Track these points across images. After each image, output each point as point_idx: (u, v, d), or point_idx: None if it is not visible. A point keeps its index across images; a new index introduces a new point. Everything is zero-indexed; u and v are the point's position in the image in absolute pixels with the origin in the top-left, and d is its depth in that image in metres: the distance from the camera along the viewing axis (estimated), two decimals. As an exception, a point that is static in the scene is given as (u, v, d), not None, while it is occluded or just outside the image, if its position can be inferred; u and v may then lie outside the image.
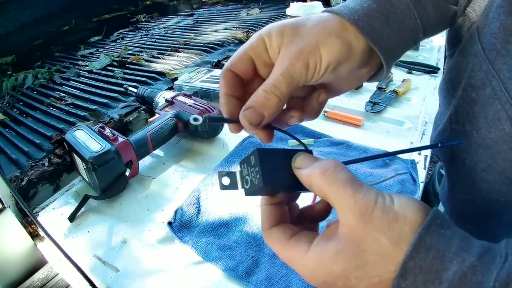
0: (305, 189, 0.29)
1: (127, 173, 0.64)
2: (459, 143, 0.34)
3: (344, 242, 0.25)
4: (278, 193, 0.30)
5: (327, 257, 0.25)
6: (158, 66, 1.21)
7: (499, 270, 0.22)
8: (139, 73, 1.17)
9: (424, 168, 0.68)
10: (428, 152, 0.71)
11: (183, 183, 0.68)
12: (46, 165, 0.73)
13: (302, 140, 0.68)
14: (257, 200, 0.60)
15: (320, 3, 1.20)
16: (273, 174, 0.28)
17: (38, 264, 0.59)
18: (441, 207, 0.48)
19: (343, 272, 0.25)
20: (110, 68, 1.23)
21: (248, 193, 0.30)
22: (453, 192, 0.40)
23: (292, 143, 0.72)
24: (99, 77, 1.17)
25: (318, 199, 0.31)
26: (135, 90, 0.90)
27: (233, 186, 0.31)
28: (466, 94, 0.34)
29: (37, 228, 0.60)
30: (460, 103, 0.35)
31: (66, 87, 1.14)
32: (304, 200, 0.34)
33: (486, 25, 0.32)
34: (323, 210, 0.32)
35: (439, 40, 1.26)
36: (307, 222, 0.32)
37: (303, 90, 0.34)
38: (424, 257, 0.23)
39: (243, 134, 0.78)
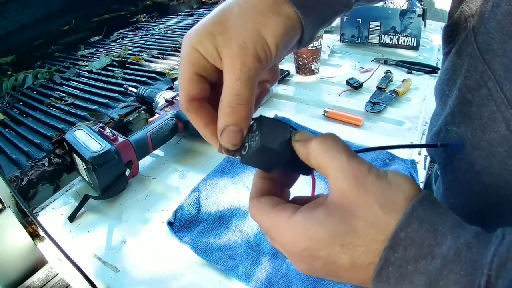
0: (302, 171, 0.29)
1: (127, 173, 0.64)
2: (459, 145, 0.33)
3: (333, 206, 0.24)
4: (274, 169, 0.29)
5: (314, 220, 0.24)
6: (158, 66, 1.21)
7: (497, 246, 0.20)
8: (139, 73, 1.17)
9: (424, 168, 0.68)
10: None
11: (183, 183, 0.68)
12: (46, 165, 0.73)
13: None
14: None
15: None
16: (272, 140, 0.27)
17: (38, 264, 0.60)
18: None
19: (329, 237, 0.23)
20: (110, 68, 1.23)
21: (245, 159, 0.28)
22: (447, 194, 0.40)
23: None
24: (99, 77, 1.17)
25: (317, 192, 0.30)
26: (135, 90, 0.90)
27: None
28: (461, 95, 0.34)
29: (37, 228, 0.60)
30: (455, 104, 0.35)
31: (66, 87, 1.14)
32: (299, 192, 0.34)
33: (482, 25, 0.31)
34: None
35: (439, 40, 1.26)
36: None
37: None
38: (416, 228, 0.22)
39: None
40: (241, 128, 0.27)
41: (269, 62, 0.28)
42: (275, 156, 0.28)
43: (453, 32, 0.36)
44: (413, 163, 0.67)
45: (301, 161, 0.28)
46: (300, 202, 0.29)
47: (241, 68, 0.26)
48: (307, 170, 0.29)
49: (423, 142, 0.75)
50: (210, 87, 0.30)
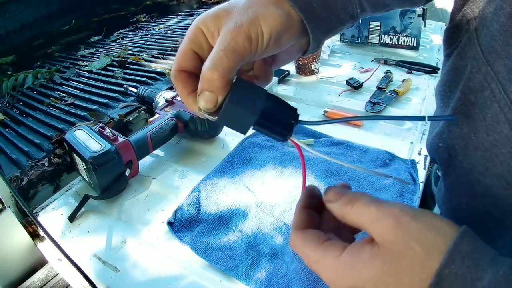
0: (276, 135, 0.30)
1: (127, 173, 0.64)
2: (450, 119, 0.34)
3: (377, 248, 0.25)
4: (248, 129, 0.30)
5: (361, 260, 0.25)
6: (158, 66, 1.21)
7: None
8: (139, 73, 1.17)
9: (424, 168, 0.68)
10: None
11: (183, 183, 0.68)
12: (46, 165, 0.73)
13: (302, 140, 0.68)
14: (258, 200, 0.60)
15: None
16: (241, 97, 0.28)
17: (38, 264, 0.60)
18: (437, 210, 0.47)
19: (374, 277, 0.25)
20: (110, 68, 1.23)
21: (218, 118, 0.29)
22: (449, 195, 0.40)
23: (291, 143, 0.72)
24: (99, 77, 1.17)
25: (307, 183, 0.33)
26: (135, 90, 0.91)
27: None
28: (464, 97, 0.34)
29: (37, 228, 0.60)
30: (458, 106, 0.35)
31: (66, 87, 1.14)
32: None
33: (485, 27, 0.31)
34: None
35: (439, 40, 1.26)
36: (344, 231, 0.32)
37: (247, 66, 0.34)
38: (459, 265, 0.23)
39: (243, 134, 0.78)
40: (215, 97, 0.28)
41: (259, 48, 0.29)
42: (244, 113, 0.29)
43: (455, 34, 0.36)
44: (413, 163, 0.67)
45: (274, 122, 0.29)
46: (331, 223, 0.31)
47: (229, 41, 0.28)
48: (283, 135, 0.30)
49: (423, 142, 0.75)
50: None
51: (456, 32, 0.36)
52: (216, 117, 0.29)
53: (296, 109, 0.31)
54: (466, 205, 0.37)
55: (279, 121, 0.30)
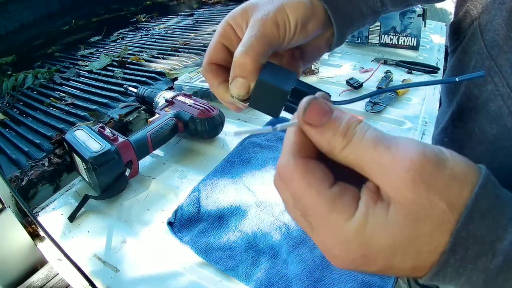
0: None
1: (127, 173, 0.64)
2: (480, 76, 0.28)
3: (393, 207, 0.20)
4: (280, 112, 0.30)
5: (376, 225, 0.20)
6: (158, 66, 1.21)
7: None
8: (139, 73, 1.17)
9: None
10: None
11: (183, 183, 0.68)
12: (46, 165, 0.73)
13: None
14: (257, 200, 0.60)
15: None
16: (272, 76, 0.29)
17: (38, 264, 0.60)
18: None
19: (391, 247, 0.20)
20: (110, 68, 1.23)
21: (250, 101, 0.30)
22: None
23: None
24: (99, 77, 1.17)
25: None
26: (135, 90, 0.91)
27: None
28: (468, 91, 0.34)
29: (37, 228, 0.60)
30: (462, 100, 0.35)
31: (66, 87, 1.14)
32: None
33: (488, 22, 0.32)
34: None
35: (439, 40, 1.26)
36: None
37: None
38: (478, 224, 0.19)
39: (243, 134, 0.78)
40: (247, 81, 0.29)
41: (287, 36, 0.31)
42: (275, 92, 0.29)
43: (459, 30, 0.37)
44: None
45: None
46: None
47: (259, 28, 0.29)
48: None
49: (423, 142, 0.75)
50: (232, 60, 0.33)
51: (460, 28, 0.36)
52: (248, 103, 0.30)
53: (327, 92, 0.31)
54: None
55: None
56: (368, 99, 0.88)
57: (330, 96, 0.26)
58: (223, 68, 0.33)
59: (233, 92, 0.30)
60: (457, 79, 0.26)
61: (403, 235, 0.20)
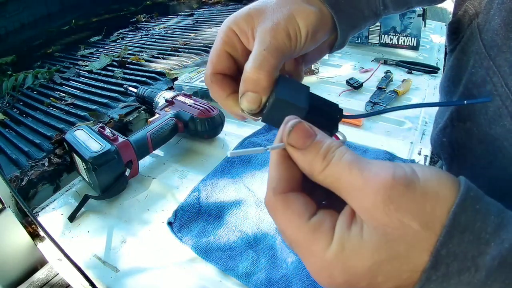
0: (325, 128, 0.26)
1: (127, 173, 0.64)
2: (487, 100, 0.30)
3: (367, 229, 0.20)
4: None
5: (351, 250, 0.21)
6: (158, 66, 1.21)
7: None
8: (139, 73, 1.17)
9: (424, 168, 0.67)
10: (428, 152, 0.71)
11: (183, 183, 0.68)
12: (46, 165, 0.73)
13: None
14: (257, 200, 0.60)
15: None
16: (287, 92, 0.28)
17: (38, 264, 0.60)
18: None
19: (370, 270, 0.20)
20: (110, 68, 1.23)
21: (264, 116, 0.29)
22: None
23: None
24: (99, 77, 1.17)
25: None
26: (135, 90, 0.91)
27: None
28: (467, 91, 0.34)
29: (37, 228, 0.60)
30: None
31: (66, 87, 1.14)
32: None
33: (487, 22, 0.32)
34: None
35: (439, 40, 1.26)
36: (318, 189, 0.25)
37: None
38: (458, 242, 0.19)
39: (243, 134, 0.78)
40: (259, 98, 0.28)
41: (298, 46, 0.29)
42: (292, 109, 0.27)
43: (457, 29, 0.37)
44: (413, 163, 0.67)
45: (321, 117, 0.28)
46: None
47: (271, 40, 0.28)
48: (330, 129, 0.29)
49: (423, 142, 0.75)
50: (237, 69, 0.31)
51: (459, 27, 0.36)
52: (260, 117, 0.29)
53: (338, 105, 0.30)
54: None
55: (326, 116, 0.29)
56: (368, 99, 0.88)
57: (341, 108, 0.29)
58: (228, 78, 0.31)
59: (243, 106, 0.29)
60: (465, 102, 0.28)
61: (380, 256, 0.20)
